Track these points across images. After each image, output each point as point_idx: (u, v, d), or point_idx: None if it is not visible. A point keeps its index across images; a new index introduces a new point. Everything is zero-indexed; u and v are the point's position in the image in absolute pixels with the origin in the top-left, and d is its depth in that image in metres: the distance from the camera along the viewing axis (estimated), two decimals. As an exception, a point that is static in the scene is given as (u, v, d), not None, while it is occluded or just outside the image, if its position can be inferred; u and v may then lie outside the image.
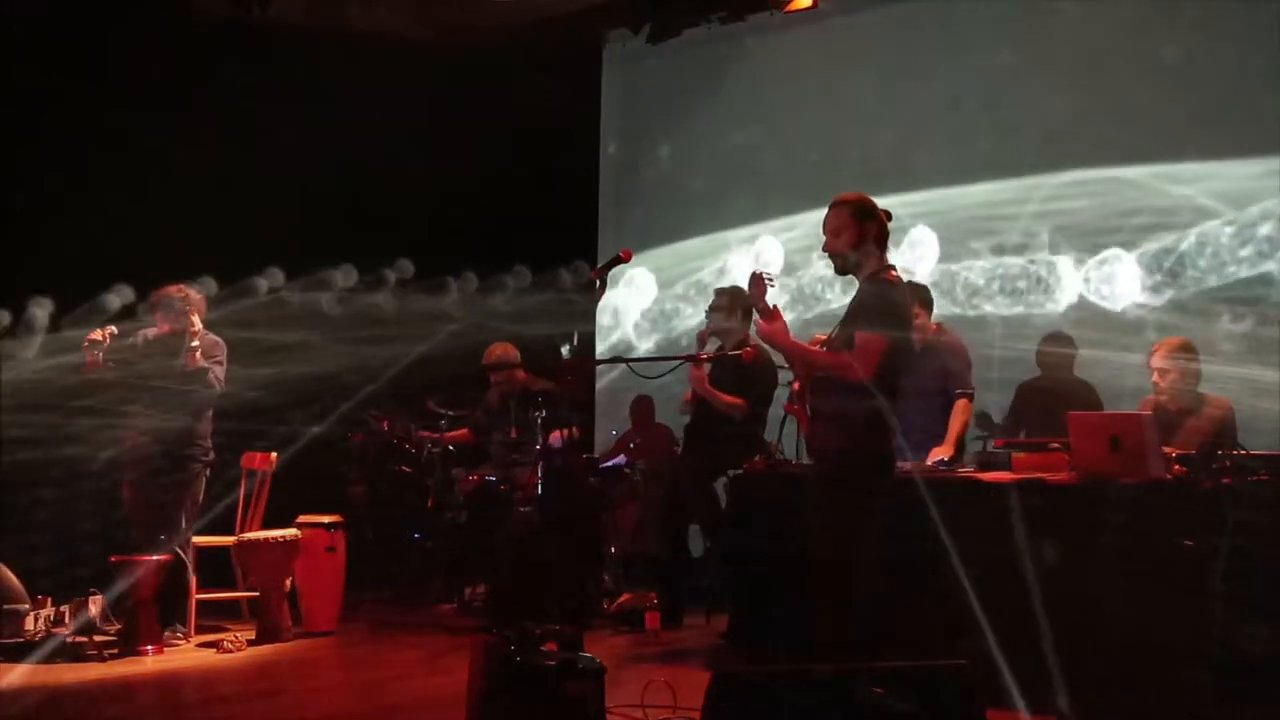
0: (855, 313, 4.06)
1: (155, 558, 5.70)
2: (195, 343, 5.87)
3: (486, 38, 8.38)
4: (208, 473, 6.06)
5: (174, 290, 5.95)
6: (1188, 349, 5.30)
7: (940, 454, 5.34)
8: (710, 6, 8.48)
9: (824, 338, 4.37)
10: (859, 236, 4.06)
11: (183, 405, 5.86)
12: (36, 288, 6.70)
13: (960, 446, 5.59)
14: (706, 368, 6.13)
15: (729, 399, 6.06)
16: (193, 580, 6.09)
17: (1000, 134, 7.43)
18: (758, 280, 4.20)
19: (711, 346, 6.18)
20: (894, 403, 4.04)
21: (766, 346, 5.05)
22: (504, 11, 8.17)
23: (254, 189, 7.27)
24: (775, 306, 4.17)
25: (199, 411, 5.97)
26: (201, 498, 6.04)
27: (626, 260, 4.39)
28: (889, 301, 3.99)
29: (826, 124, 8.15)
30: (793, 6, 8.12)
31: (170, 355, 5.91)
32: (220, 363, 5.98)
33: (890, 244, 4.18)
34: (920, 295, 5.78)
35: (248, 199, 7.33)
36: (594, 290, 4.30)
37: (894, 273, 4.10)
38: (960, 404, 5.59)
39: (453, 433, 7.47)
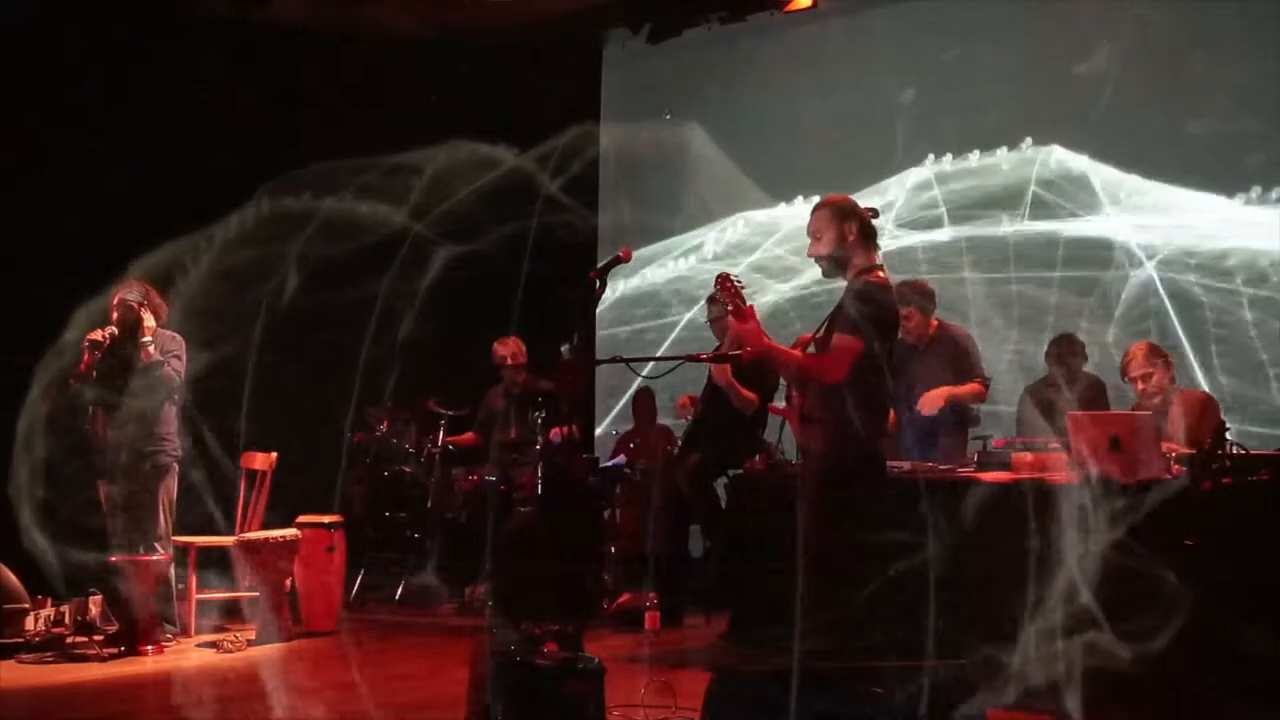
0: (836, 315, 4.03)
1: (155, 557, 5.71)
2: (148, 338, 5.84)
3: (486, 37, 8.38)
4: (177, 469, 6.02)
5: (130, 287, 5.93)
6: (1159, 351, 5.35)
7: (932, 399, 5.43)
8: (710, 6, 8.48)
9: (809, 337, 4.34)
10: (839, 237, 4.02)
11: (142, 402, 5.86)
12: (38, 287, 6.72)
13: (964, 416, 5.64)
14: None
15: (745, 393, 6.03)
16: (192, 581, 6.09)
17: (1001, 135, 7.43)
18: (723, 282, 4.16)
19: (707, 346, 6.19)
20: (881, 403, 4.02)
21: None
22: (504, 11, 8.16)
23: (253, 187, 7.26)
24: (750, 306, 4.14)
25: (159, 407, 5.94)
26: (175, 495, 6.01)
27: (626, 260, 4.37)
28: (869, 304, 3.92)
29: (826, 123, 8.16)
30: (792, 6, 8.12)
31: (126, 354, 5.87)
32: (179, 357, 5.95)
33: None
34: (920, 293, 5.76)
35: (246, 197, 7.31)
36: (593, 290, 4.28)
37: (880, 274, 4.03)
38: (972, 384, 5.62)
39: (456, 437, 7.49)
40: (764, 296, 8.11)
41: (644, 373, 7.57)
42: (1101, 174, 7.05)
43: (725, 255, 8.71)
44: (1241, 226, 6.62)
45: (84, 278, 6.50)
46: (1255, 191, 6.57)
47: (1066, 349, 5.99)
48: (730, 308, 4.15)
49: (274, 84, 7.60)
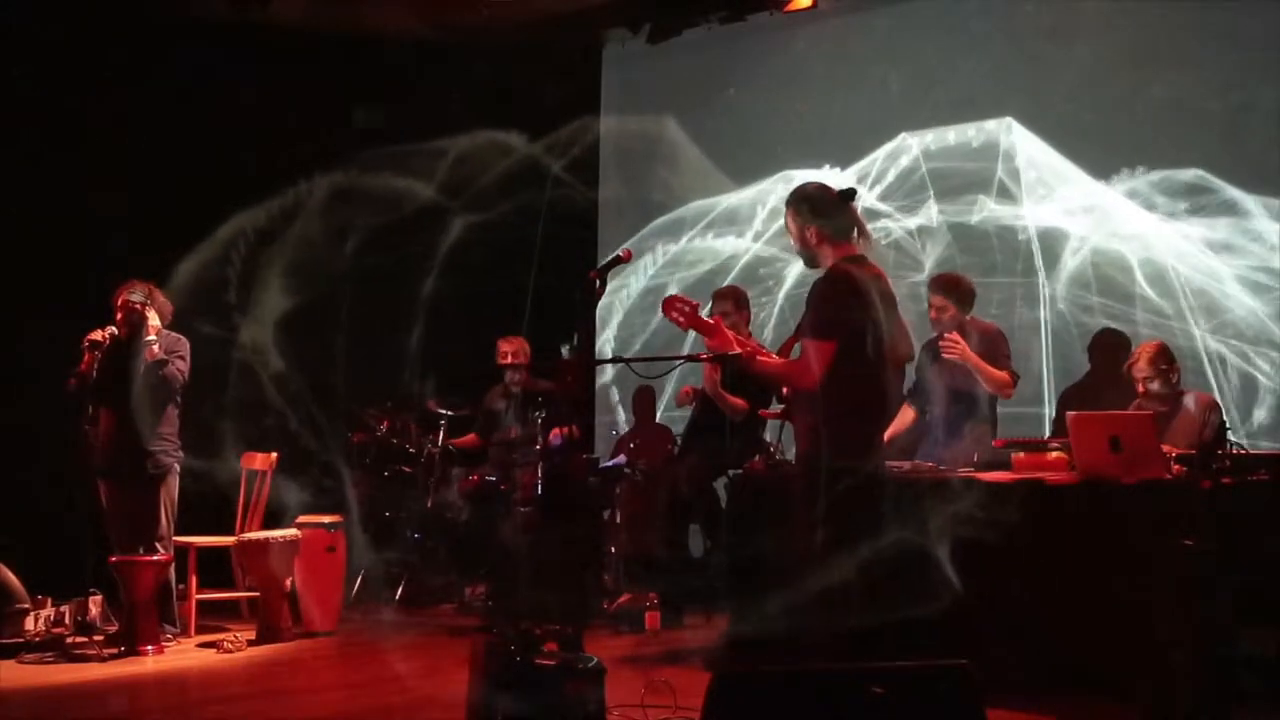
0: (803, 315, 3.96)
1: (154, 558, 5.71)
2: (152, 337, 5.83)
3: (486, 37, 8.37)
4: (178, 469, 6.03)
5: (134, 287, 5.92)
6: (1168, 354, 5.28)
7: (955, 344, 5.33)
8: (710, 6, 8.47)
9: (794, 339, 4.30)
10: (802, 232, 3.96)
11: (145, 402, 5.86)
12: (40, 287, 6.72)
13: (990, 402, 5.55)
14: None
15: (733, 400, 6.05)
16: (192, 581, 6.10)
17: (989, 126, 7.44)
18: (668, 307, 4.04)
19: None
20: (863, 399, 3.91)
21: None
22: (504, 11, 8.16)
23: (252, 187, 7.26)
24: (717, 318, 4.11)
25: (162, 407, 5.94)
26: (177, 495, 6.02)
27: (627, 260, 4.37)
28: (822, 300, 3.85)
29: (827, 124, 8.16)
30: (792, 6, 8.11)
31: (130, 353, 5.87)
32: (183, 358, 5.95)
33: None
34: (958, 288, 5.66)
35: (246, 197, 7.32)
36: (593, 290, 4.27)
37: (848, 266, 3.88)
38: (1003, 371, 5.52)
39: (459, 439, 7.49)
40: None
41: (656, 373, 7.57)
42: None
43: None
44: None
45: (82, 279, 6.52)
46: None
47: (1108, 346, 5.88)
48: (688, 326, 4.07)
49: (274, 84, 7.59)
